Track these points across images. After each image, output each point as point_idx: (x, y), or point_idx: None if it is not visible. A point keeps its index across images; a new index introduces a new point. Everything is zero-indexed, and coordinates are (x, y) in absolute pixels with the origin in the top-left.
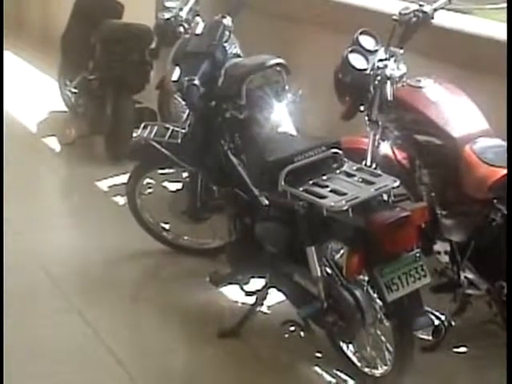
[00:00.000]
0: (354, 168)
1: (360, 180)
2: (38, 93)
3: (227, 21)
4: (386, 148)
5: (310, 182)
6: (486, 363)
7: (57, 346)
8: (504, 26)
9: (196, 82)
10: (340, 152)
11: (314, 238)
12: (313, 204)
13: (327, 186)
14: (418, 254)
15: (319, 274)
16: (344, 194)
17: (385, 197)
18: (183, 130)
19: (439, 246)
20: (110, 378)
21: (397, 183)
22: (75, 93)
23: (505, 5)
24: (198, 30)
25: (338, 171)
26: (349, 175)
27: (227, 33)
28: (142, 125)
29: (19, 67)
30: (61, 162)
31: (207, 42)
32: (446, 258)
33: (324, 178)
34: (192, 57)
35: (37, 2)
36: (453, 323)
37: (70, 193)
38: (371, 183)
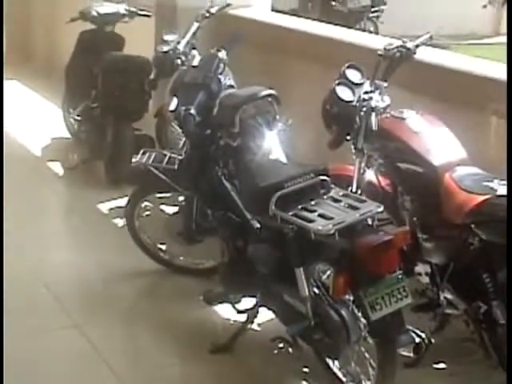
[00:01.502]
0: (341, 194)
1: (346, 205)
2: (43, 119)
3: (222, 54)
4: (370, 175)
5: (299, 207)
6: (464, 379)
7: (56, 361)
8: (480, 62)
9: (192, 111)
10: (327, 179)
11: (302, 259)
12: (302, 227)
13: (315, 211)
14: (400, 276)
15: (307, 293)
16: (331, 218)
17: (369, 221)
18: (180, 157)
19: (420, 268)
20: None
21: (380, 208)
22: (78, 120)
23: (483, 41)
24: (195, 63)
25: (325, 197)
26: (335, 201)
27: (222, 65)
28: (141, 151)
29: (26, 95)
30: (64, 185)
31: (203, 73)
32: (426, 279)
33: (312, 203)
34: (189, 88)
35: (44, 33)
36: (432, 341)
37: (71, 214)
38: (356, 208)
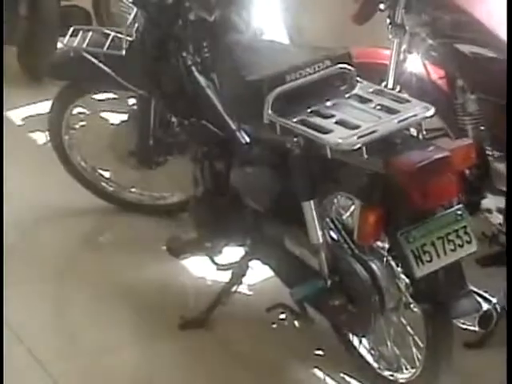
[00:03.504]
0: (371, 90)
1: (378, 107)
2: None
3: None
4: (415, 63)
5: (309, 111)
6: None
7: None
8: None
9: None
10: (351, 68)
11: (313, 189)
12: (312, 141)
13: (333, 116)
14: (460, 212)
15: (321, 239)
16: (356, 126)
17: (414, 131)
18: (129, 38)
19: (490, 202)
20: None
21: (431, 112)
22: None
23: None
24: None
25: (347, 95)
26: (363, 101)
27: None
28: (71, 30)
29: None
30: None
31: None
32: (499, 219)
33: (328, 104)
34: None
35: None
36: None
37: None
38: (394, 112)
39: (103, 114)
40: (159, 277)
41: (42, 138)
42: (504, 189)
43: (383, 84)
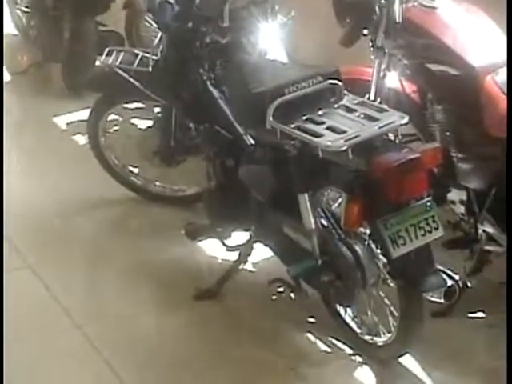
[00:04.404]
0: (356, 102)
1: (362, 116)
2: None
3: None
4: (392, 79)
5: (304, 118)
6: (505, 331)
7: (8, 308)
8: None
9: None
10: (339, 83)
11: (307, 183)
12: (306, 143)
13: (323, 123)
14: (429, 203)
15: (313, 225)
16: (343, 131)
17: (391, 136)
18: (154, 57)
19: (454, 195)
20: (67, 344)
21: (405, 120)
22: (27, 12)
23: None
24: None
25: (336, 105)
26: (349, 110)
27: None
28: (106, 50)
29: None
30: (11, 94)
31: None
32: (461, 209)
33: (320, 113)
34: None
35: None
36: (468, 284)
37: (21, 131)
38: (375, 119)
39: (133, 121)
40: (178, 256)
41: (82, 140)
42: (465, 184)
43: (367, 97)
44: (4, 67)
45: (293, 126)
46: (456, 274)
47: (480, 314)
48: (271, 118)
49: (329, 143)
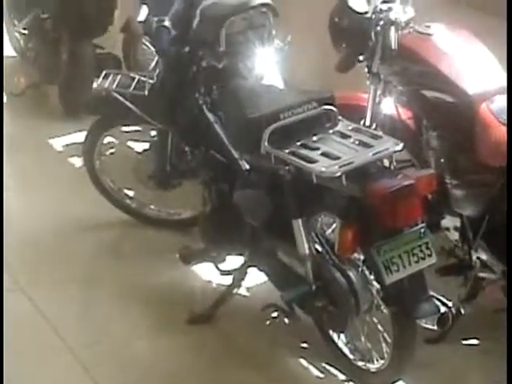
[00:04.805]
0: (350, 128)
1: (356, 142)
2: None
3: None
4: (388, 105)
5: (298, 144)
6: (499, 357)
7: None
8: None
9: (166, 23)
10: (334, 109)
11: (301, 209)
12: (301, 169)
13: (318, 149)
14: (423, 230)
15: (307, 251)
16: (337, 157)
17: (386, 162)
18: (151, 81)
19: (448, 222)
20: (61, 368)
21: (399, 146)
22: (25, 34)
23: None
24: None
25: (331, 131)
26: (344, 136)
27: None
28: (103, 73)
29: None
30: (7, 115)
31: None
32: (455, 235)
33: (315, 138)
34: None
35: None
36: (462, 311)
37: (18, 152)
38: (369, 146)
39: (129, 143)
40: (172, 280)
41: (78, 162)
42: (459, 211)
43: (362, 122)
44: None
45: (287, 151)
46: (449, 300)
47: (473, 341)
48: (266, 143)
49: (323, 169)
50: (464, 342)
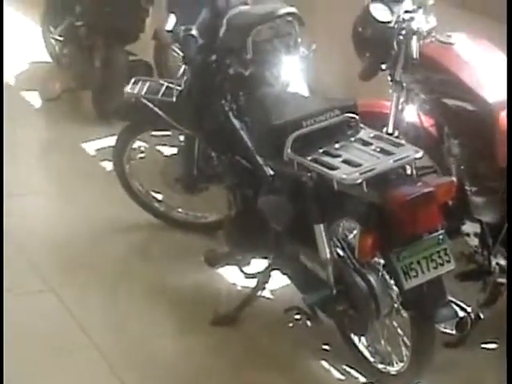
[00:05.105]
0: (372, 135)
1: (378, 149)
2: (18, 40)
3: None
4: (410, 113)
5: (321, 151)
6: None
7: (30, 328)
8: None
9: (194, 32)
10: (356, 117)
11: (323, 214)
12: (322, 176)
13: (340, 156)
14: (441, 236)
15: (328, 255)
16: (358, 164)
17: (408, 169)
18: (179, 87)
19: (468, 227)
20: (87, 365)
21: (419, 154)
22: (60, 41)
23: None
24: None
25: (352, 139)
26: (365, 144)
27: None
28: (133, 80)
29: None
30: (42, 119)
31: None
32: (475, 241)
33: (337, 146)
34: (189, 3)
35: None
36: (481, 316)
37: (51, 156)
38: (390, 154)
39: (159, 147)
40: (198, 281)
41: (109, 166)
42: (479, 217)
43: (384, 130)
44: (37, 93)
45: (310, 158)
46: (468, 305)
47: (492, 345)
48: (289, 150)
49: (344, 176)
50: (483, 346)
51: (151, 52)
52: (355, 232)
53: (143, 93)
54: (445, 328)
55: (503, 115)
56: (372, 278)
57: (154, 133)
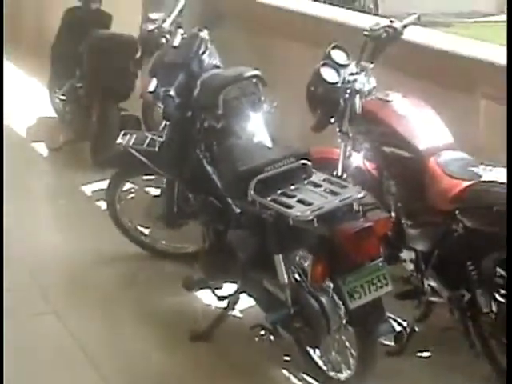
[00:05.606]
0: (322, 178)
1: (327, 191)
2: (29, 98)
3: (204, 34)
4: (356, 159)
5: (279, 192)
6: (448, 367)
7: (33, 346)
8: (471, 43)
9: (172, 92)
10: (308, 163)
11: (281, 246)
12: (280, 213)
13: (294, 196)
14: (380, 263)
15: (286, 280)
16: (310, 204)
17: (355, 206)
18: (161, 139)
19: (405, 255)
20: (83, 378)
21: (361, 194)
22: (63, 100)
23: (486, 19)
24: (176, 42)
25: (306, 181)
26: (316, 186)
27: (204, 45)
28: (122, 133)
29: (12, 74)
30: (48, 166)
31: (184, 53)
32: (410, 266)
33: (292, 187)
34: (168, 68)
35: (32, 10)
36: (416, 329)
37: (55, 196)
38: (337, 194)
39: (147, 189)
40: (177, 304)
41: (104, 205)
42: (414, 246)
43: (335, 173)
44: (44, 143)
45: (269, 198)
46: (404, 320)
47: (426, 354)
48: (252, 192)
49: (298, 214)
50: (418, 355)
51: (140, 108)
52: (309, 261)
53: (131, 144)
54: (385, 340)
55: (432, 160)
56: (323, 299)
57: (143, 177)
